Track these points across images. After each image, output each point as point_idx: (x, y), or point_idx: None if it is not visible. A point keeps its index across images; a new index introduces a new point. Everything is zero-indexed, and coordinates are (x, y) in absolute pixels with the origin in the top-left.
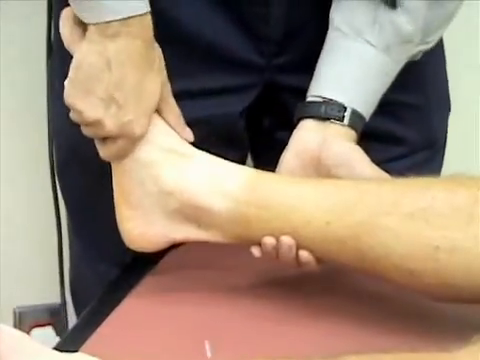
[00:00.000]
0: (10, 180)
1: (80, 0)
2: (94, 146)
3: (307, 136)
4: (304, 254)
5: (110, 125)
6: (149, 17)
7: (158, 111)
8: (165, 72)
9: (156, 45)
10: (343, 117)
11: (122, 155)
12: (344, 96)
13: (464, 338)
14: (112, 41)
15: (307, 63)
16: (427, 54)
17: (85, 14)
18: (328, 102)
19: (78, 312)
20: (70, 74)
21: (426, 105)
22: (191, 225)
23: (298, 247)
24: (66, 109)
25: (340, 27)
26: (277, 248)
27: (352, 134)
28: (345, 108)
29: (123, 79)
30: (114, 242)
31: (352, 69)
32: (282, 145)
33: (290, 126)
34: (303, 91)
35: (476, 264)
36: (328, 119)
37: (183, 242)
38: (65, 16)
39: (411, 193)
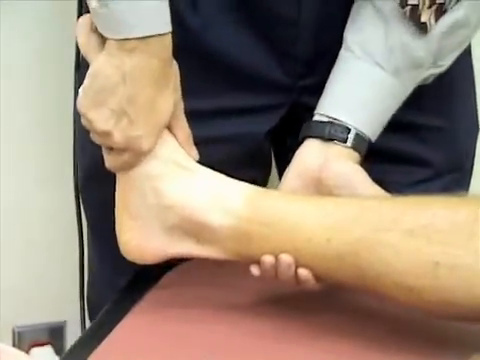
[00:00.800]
0: (31, 195)
1: (99, 15)
2: None
3: (309, 156)
4: (303, 272)
5: (118, 138)
6: (169, 37)
7: (168, 127)
8: (180, 91)
9: (174, 63)
10: (346, 139)
11: (126, 167)
12: (349, 117)
13: (464, 356)
14: (129, 56)
15: None
16: (454, 75)
17: (104, 28)
18: (333, 123)
19: None
20: (85, 83)
21: (453, 127)
22: (190, 240)
23: (298, 265)
24: None
25: (351, 47)
26: (276, 266)
27: (355, 155)
28: (349, 130)
29: (136, 95)
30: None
31: (360, 90)
32: None
33: None
34: None
35: (476, 281)
36: (331, 140)
37: (180, 258)
38: (82, 24)
39: (412, 210)
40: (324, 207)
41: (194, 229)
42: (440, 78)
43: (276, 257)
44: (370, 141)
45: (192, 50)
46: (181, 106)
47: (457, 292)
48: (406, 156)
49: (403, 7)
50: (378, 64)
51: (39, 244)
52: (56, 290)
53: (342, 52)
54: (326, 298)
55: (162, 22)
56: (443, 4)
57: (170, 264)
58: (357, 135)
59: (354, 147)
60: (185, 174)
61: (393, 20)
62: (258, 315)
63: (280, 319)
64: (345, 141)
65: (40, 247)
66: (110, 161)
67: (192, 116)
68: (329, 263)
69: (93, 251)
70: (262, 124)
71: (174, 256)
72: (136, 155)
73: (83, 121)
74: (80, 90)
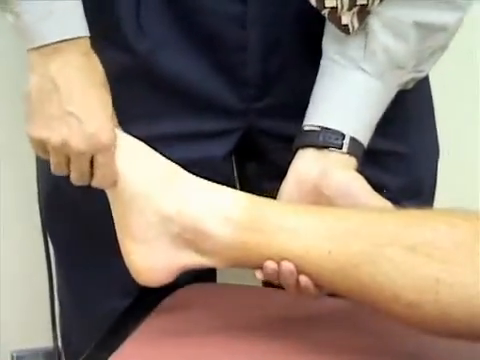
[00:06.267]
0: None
1: (17, 27)
2: (76, 189)
3: (306, 166)
4: (304, 279)
5: (76, 141)
6: (85, 39)
7: None
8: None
9: (94, 55)
10: (342, 145)
11: (111, 174)
12: (340, 124)
13: None
14: (51, 60)
15: (287, 109)
16: (412, 101)
17: (24, 39)
18: (326, 130)
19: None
20: (25, 109)
21: (411, 153)
22: (191, 251)
23: (299, 273)
24: None
25: (332, 56)
26: (278, 272)
27: (352, 161)
28: (343, 135)
29: (72, 92)
30: (104, 287)
31: (347, 97)
32: (270, 195)
33: (276, 177)
34: (283, 137)
35: (476, 300)
36: (327, 147)
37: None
38: None
39: (413, 225)
40: (323, 218)
41: (194, 238)
42: (398, 104)
43: (278, 263)
44: (363, 146)
45: (141, 75)
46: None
47: (457, 309)
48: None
49: (321, 10)
50: (361, 68)
51: (39, 268)
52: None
53: (323, 63)
54: (328, 319)
55: (77, 26)
56: (366, 5)
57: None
58: (352, 139)
59: (350, 152)
60: (180, 185)
61: (371, 25)
62: (255, 338)
63: (278, 342)
64: (341, 147)
65: (40, 272)
66: (95, 180)
67: (144, 142)
68: (330, 274)
69: (63, 283)
70: (216, 149)
71: (181, 269)
72: (104, 153)
73: (39, 150)
74: (25, 119)
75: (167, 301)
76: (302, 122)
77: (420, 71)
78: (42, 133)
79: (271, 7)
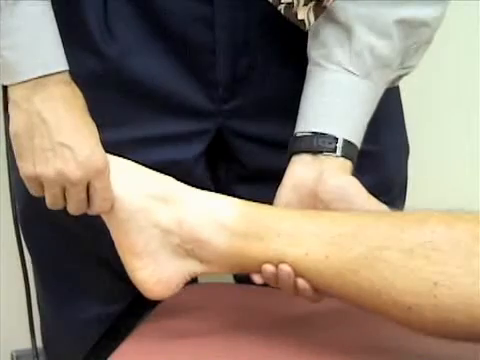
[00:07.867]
0: None
1: None
2: None
3: (302, 171)
4: (301, 282)
5: (73, 170)
6: (66, 73)
7: None
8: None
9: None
10: (336, 148)
11: (110, 197)
12: (332, 128)
13: None
14: (35, 93)
15: (257, 109)
16: (383, 101)
17: (4, 77)
18: (319, 135)
19: None
20: (13, 149)
21: (381, 151)
22: (192, 259)
23: (296, 275)
24: None
25: (318, 61)
26: (276, 274)
27: (348, 164)
28: (336, 139)
29: (60, 123)
30: (87, 295)
31: (336, 100)
32: (243, 197)
33: (247, 178)
34: (253, 137)
35: (475, 301)
36: (321, 152)
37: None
38: None
39: (410, 228)
40: (320, 222)
41: (194, 247)
42: None
43: (276, 266)
44: (357, 147)
45: (111, 79)
46: None
47: (456, 312)
48: None
49: (277, 5)
50: (347, 70)
51: None
52: None
53: (309, 68)
54: (322, 321)
55: (59, 60)
56: (322, 1)
57: None
58: (345, 142)
59: (344, 155)
60: (175, 197)
61: (353, 26)
62: (255, 338)
63: (278, 342)
64: (334, 151)
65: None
66: (93, 209)
67: (116, 146)
68: (328, 278)
69: (42, 291)
70: (189, 151)
71: (186, 279)
72: (100, 178)
73: (33, 187)
74: (16, 159)
75: (167, 301)
76: (272, 122)
77: (406, 68)
78: (36, 168)
79: (238, 9)
